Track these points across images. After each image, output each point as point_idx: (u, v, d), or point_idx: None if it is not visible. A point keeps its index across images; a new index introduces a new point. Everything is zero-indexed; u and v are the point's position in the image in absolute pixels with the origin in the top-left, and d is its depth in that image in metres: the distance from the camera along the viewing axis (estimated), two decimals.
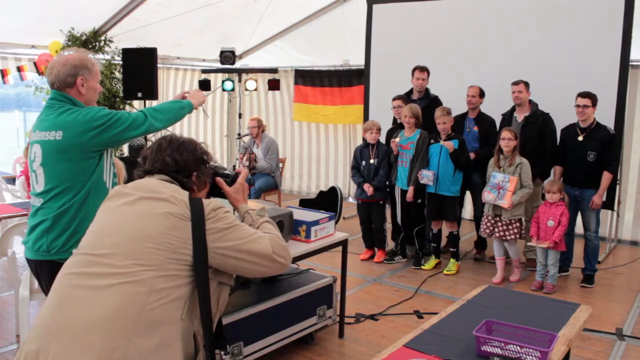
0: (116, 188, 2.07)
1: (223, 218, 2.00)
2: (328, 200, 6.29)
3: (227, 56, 9.14)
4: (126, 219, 1.91)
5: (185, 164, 2.07)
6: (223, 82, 9.18)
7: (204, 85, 9.01)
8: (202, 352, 1.95)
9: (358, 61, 8.47)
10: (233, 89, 9.25)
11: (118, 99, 8.26)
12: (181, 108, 2.95)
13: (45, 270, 2.71)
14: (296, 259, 3.78)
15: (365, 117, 7.78)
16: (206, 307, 1.90)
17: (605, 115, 5.73)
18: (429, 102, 6.29)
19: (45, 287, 2.79)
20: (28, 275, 3.83)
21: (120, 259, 1.81)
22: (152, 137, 9.26)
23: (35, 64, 7.70)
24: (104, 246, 1.85)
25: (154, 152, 2.08)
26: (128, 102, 8.37)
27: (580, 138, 5.47)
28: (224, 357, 2.03)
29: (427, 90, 6.43)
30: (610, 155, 5.45)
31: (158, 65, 7.87)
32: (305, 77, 9.64)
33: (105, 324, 1.71)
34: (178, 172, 2.05)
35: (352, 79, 9.10)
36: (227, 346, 2.05)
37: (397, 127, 6.39)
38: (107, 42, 8.08)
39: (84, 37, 7.91)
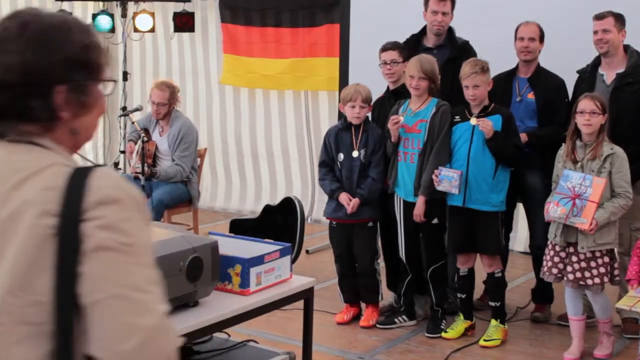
0: None
1: (116, 227, 1.21)
2: (279, 222, 5.11)
3: None
4: None
5: (43, 71, 1.26)
6: (94, 16, 7.34)
7: None
8: None
9: None
10: (112, 29, 7.39)
11: None
12: None
13: None
14: (226, 324, 2.95)
15: (343, 81, 6.11)
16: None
17: None
18: (455, 52, 4.99)
19: None
20: None
21: None
22: None
23: None
24: None
25: None
26: None
27: None
28: None
29: (450, 31, 5.00)
30: None
31: None
32: (238, 10, 7.60)
33: None
34: (28, 87, 1.26)
35: (316, 14, 7.30)
36: None
37: (391, 96, 5.04)
38: None
39: None
